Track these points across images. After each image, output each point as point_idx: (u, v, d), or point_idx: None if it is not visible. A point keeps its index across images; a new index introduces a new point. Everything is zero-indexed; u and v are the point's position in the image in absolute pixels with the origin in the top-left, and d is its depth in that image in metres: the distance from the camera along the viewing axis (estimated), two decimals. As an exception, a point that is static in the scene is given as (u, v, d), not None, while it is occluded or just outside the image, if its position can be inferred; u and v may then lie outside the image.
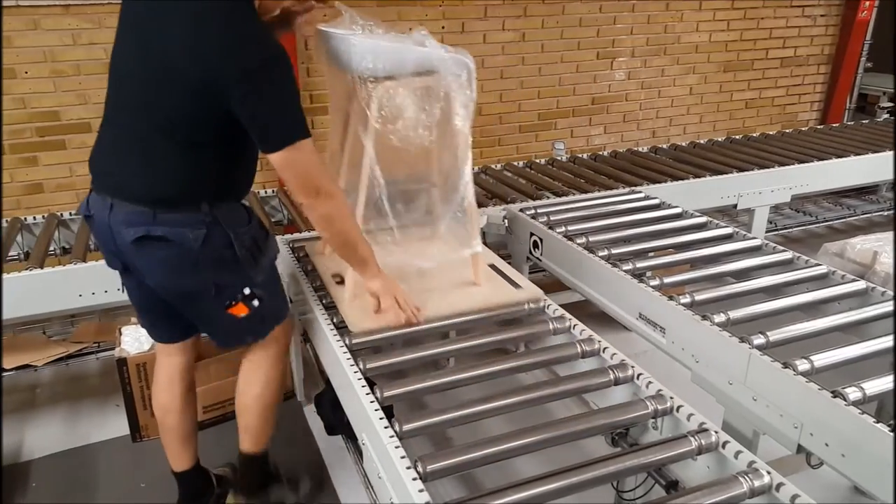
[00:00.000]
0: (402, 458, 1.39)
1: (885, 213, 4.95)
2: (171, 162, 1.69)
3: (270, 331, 1.99)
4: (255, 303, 1.88)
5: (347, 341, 1.90)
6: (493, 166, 3.90)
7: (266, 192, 3.51)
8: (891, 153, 4.13)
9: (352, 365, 1.77)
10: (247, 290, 1.85)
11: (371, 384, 1.68)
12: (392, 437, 1.47)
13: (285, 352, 2.14)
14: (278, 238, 2.63)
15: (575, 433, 1.52)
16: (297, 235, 2.74)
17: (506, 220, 3.00)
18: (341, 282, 2.18)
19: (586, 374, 1.76)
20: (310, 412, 2.77)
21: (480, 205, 3.13)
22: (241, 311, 1.86)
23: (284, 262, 2.52)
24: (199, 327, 2.04)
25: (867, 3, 5.64)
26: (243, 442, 2.13)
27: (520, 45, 4.64)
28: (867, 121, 5.42)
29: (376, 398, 1.62)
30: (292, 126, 1.63)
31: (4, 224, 2.97)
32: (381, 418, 1.53)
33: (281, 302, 2.05)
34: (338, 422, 2.22)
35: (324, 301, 2.13)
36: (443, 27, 4.32)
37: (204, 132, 1.67)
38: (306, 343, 2.79)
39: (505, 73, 4.68)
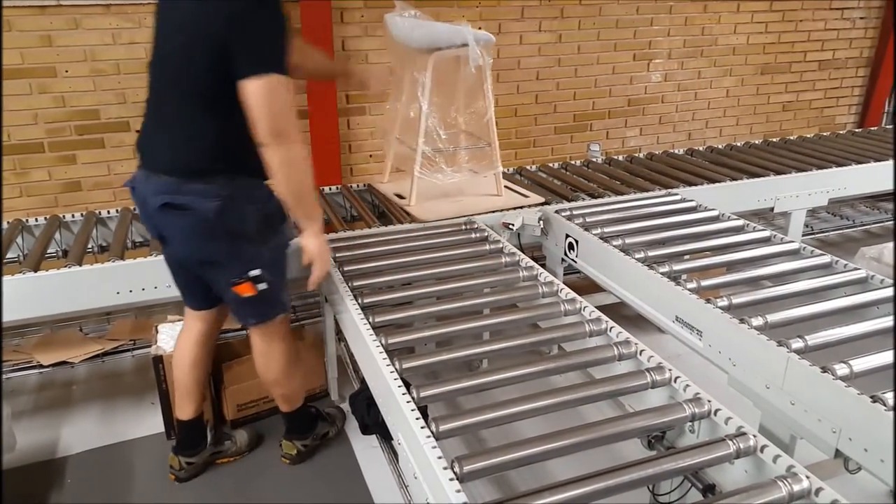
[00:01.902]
0: (440, 458, 1.40)
1: (927, 219, 4.85)
2: (195, 133, 1.91)
3: (274, 317, 2.19)
4: (262, 286, 2.05)
5: (384, 341, 1.93)
6: (528, 167, 3.93)
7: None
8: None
9: (388, 365, 1.79)
10: (255, 272, 2.03)
11: (407, 385, 1.71)
12: (429, 437, 1.48)
13: (287, 333, 2.36)
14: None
15: (611, 436, 1.54)
16: (333, 235, 2.77)
17: (541, 222, 3.03)
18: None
19: (623, 376, 1.78)
20: (344, 411, 2.82)
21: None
22: (246, 290, 2.02)
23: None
24: (222, 297, 2.22)
25: (910, 4, 5.52)
26: (281, 406, 2.49)
27: (556, 47, 4.65)
28: (908, 124, 5.32)
29: (412, 398, 1.64)
30: (272, 58, 1.78)
31: (5, 225, 2.96)
32: (417, 419, 1.55)
33: (285, 294, 2.25)
34: (372, 421, 2.27)
35: (360, 300, 2.18)
36: (479, 28, 4.34)
37: (222, 101, 1.83)
38: (340, 342, 2.86)
39: (541, 75, 4.70)
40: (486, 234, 2.82)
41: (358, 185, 3.61)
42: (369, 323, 2.03)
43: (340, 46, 4.06)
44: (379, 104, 4.27)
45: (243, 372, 2.71)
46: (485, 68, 2.99)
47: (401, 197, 3.31)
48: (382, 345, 1.91)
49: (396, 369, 1.78)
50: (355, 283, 2.31)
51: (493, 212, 3.06)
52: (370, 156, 4.38)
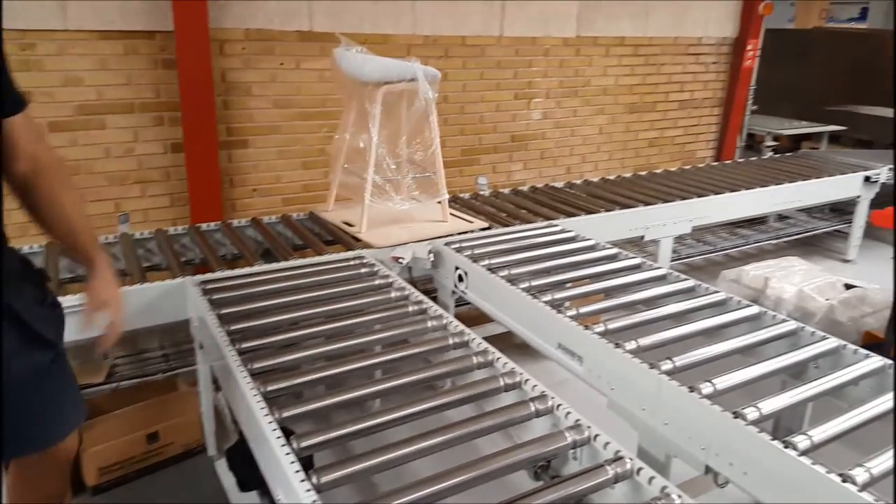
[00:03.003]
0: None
1: (774, 242, 5.40)
2: None
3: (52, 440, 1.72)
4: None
5: (262, 387, 1.82)
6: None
7: (177, 229, 3.36)
8: (776, 187, 4.54)
9: (266, 414, 1.69)
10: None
11: (289, 433, 1.62)
12: (309, 490, 1.41)
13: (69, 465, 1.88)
14: (189, 279, 2.55)
15: (500, 469, 1.54)
16: (209, 276, 2.62)
17: (431, 255, 3.06)
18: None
19: (509, 407, 1.80)
20: (221, 467, 2.62)
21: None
22: None
23: (194, 305, 2.45)
24: None
25: (750, 52, 6.22)
26: None
27: (443, 85, 4.74)
28: (755, 158, 5.94)
29: (293, 448, 1.56)
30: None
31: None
32: (297, 471, 1.46)
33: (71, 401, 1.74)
34: (251, 477, 2.10)
35: (237, 346, 2.06)
36: (364, 65, 4.39)
37: None
38: (218, 392, 2.71)
39: (427, 111, 4.79)
40: (375, 268, 2.80)
41: (240, 222, 3.47)
42: (247, 369, 1.92)
43: (220, 78, 3.93)
44: (264, 137, 4.17)
45: (107, 430, 2.47)
46: (430, 102, 3.22)
47: (350, 225, 3.39)
48: (261, 392, 1.80)
49: (275, 417, 1.68)
50: (233, 327, 2.18)
51: (441, 237, 3.22)
52: (254, 190, 4.24)
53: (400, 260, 2.97)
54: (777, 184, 4.59)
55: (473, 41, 4.81)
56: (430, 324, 2.31)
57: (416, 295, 2.54)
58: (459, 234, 3.32)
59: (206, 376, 2.60)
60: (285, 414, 1.72)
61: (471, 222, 3.51)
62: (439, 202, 3.46)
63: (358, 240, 3.21)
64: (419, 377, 2.00)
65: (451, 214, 3.56)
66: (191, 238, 3.31)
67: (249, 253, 3.02)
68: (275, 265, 2.81)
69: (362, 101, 3.25)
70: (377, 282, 2.65)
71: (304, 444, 1.60)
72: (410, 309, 2.42)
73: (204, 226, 3.38)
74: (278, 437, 1.60)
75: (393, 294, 2.54)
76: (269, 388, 1.85)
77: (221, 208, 4.04)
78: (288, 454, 1.54)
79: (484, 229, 3.43)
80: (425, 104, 3.22)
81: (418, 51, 4.58)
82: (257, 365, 1.97)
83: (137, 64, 3.73)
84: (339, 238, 3.34)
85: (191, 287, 2.50)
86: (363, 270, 2.76)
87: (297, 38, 4.12)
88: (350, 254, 2.94)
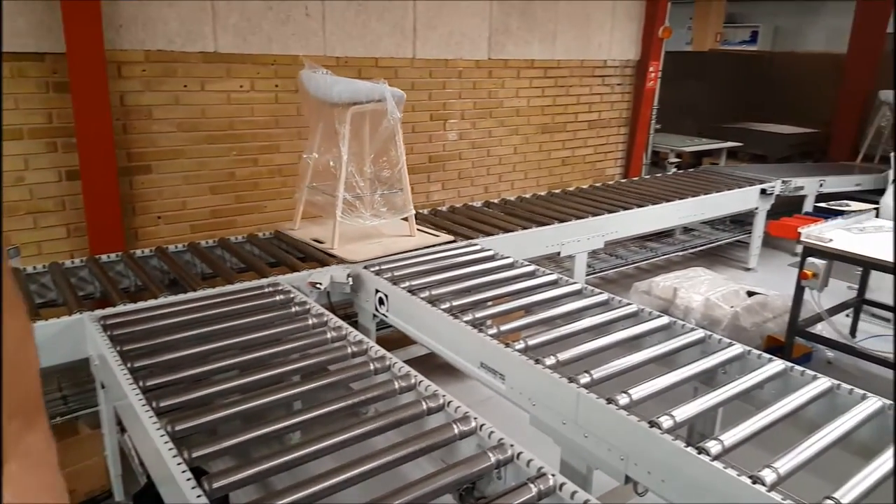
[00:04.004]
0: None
1: (681, 254, 5.68)
2: None
3: None
4: None
5: (170, 427, 1.72)
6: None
7: (74, 262, 3.13)
8: (680, 202, 4.79)
9: (175, 455, 1.60)
10: None
11: (201, 474, 1.54)
12: None
13: None
14: (87, 315, 2.41)
15: (425, 496, 1.52)
16: (110, 310, 2.48)
17: (350, 279, 3.01)
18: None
19: (434, 431, 1.78)
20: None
21: (324, 264, 3.13)
22: None
23: (93, 343, 2.30)
24: None
25: (652, 74, 6.58)
26: None
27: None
28: (660, 174, 6.26)
29: (204, 490, 1.48)
30: None
31: None
32: None
33: None
34: None
35: (140, 383, 1.94)
36: (276, 85, 4.31)
37: None
38: (123, 433, 2.54)
39: (341, 133, 4.75)
40: (291, 295, 2.71)
41: (144, 251, 3.28)
42: (153, 408, 1.81)
43: (119, 101, 3.73)
44: (169, 161, 3.99)
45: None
46: (397, 122, 3.34)
47: (319, 241, 3.46)
48: (168, 432, 1.70)
49: (185, 458, 1.59)
50: (137, 364, 2.05)
51: (409, 251, 3.34)
52: (159, 217, 4.03)
53: (317, 285, 2.89)
54: (681, 198, 4.84)
55: (386, 63, 4.82)
56: (350, 350, 2.25)
57: (335, 321, 2.48)
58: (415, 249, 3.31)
59: (110, 417, 2.44)
60: (197, 453, 1.64)
61: (437, 236, 3.63)
62: (406, 218, 3.58)
63: (331, 255, 3.27)
64: (341, 405, 1.94)
65: (418, 229, 3.68)
66: (89, 271, 3.10)
67: (154, 284, 2.85)
68: (182, 296, 2.67)
69: (329, 121, 3.34)
70: (293, 309, 2.57)
71: (218, 484, 1.52)
72: (329, 335, 2.36)
73: (104, 257, 3.17)
74: (188, 479, 1.51)
75: (311, 321, 2.47)
76: (178, 426, 1.74)
77: (123, 238, 3.81)
78: (200, 496, 1.46)
79: (451, 241, 3.58)
80: (392, 124, 3.32)
81: (334, 72, 4.51)
82: (164, 403, 1.87)
83: (26, 87, 3.48)
84: (310, 255, 3.35)
85: (90, 323, 2.36)
86: (278, 298, 2.67)
87: (201, 60, 3.98)
88: (264, 281, 2.84)
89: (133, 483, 2.59)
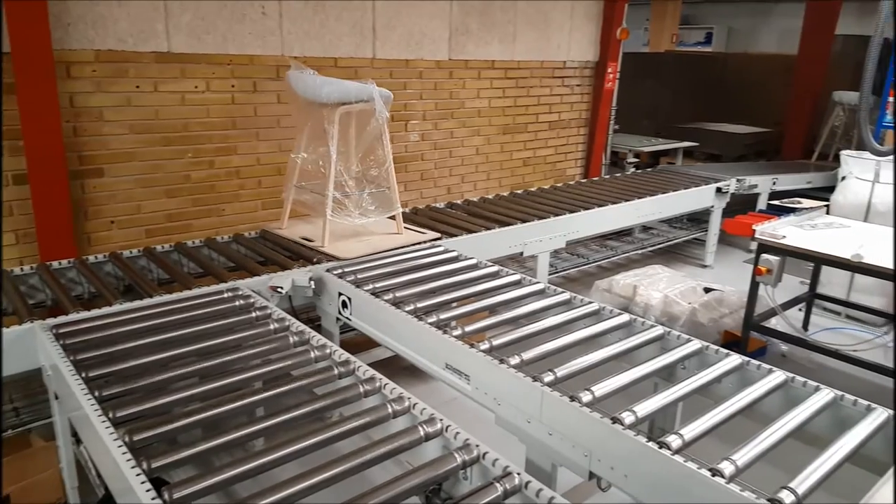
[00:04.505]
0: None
1: (640, 252, 5.79)
2: None
3: None
4: None
5: (128, 438, 1.68)
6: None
7: (23, 269, 3.02)
8: (639, 201, 4.88)
9: (133, 466, 1.57)
10: None
11: (161, 485, 1.51)
12: None
13: None
14: (39, 323, 2.33)
15: (392, 498, 1.51)
16: (62, 319, 2.40)
17: (312, 282, 2.97)
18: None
19: (399, 433, 1.77)
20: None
21: (285, 267, 3.10)
22: None
23: (46, 353, 2.23)
24: None
25: (611, 75, 6.69)
26: None
27: (316, 107, 4.70)
28: (619, 174, 6.37)
29: (164, 501, 1.45)
30: None
31: None
32: None
33: None
34: None
35: (96, 393, 1.89)
36: (232, 86, 4.22)
37: None
38: (79, 444, 2.46)
39: (302, 134, 4.69)
40: (252, 300, 2.67)
41: (97, 257, 3.18)
42: (109, 418, 1.76)
43: (68, 103, 3.61)
44: (122, 164, 3.88)
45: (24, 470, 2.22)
46: (385, 121, 3.41)
47: (308, 240, 3.52)
48: (126, 442, 1.66)
49: (144, 468, 1.56)
50: (92, 374, 1.99)
51: (397, 248, 3.41)
52: (112, 222, 3.91)
53: (278, 290, 2.85)
54: (640, 198, 4.93)
55: (346, 63, 4.78)
56: (313, 354, 2.23)
57: (298, 325, 2.45)
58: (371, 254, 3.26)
59: (65, 429, 2.36)
60: (156, 463, 1.61)
61: (423, 233, 3.69)
62: (393, 216, 3.64)
63: (322, 253, 3.32)
64: (304, 410, 1.92)
65: (406, 227, 3.74)
66: (40, 278, 3.00)
67: (108, 291, 2.77)
68: (138, 303, 2.61)
69: (317, 121, 3.40)
70: (254, 314, 2.53)
71: (179, 494, 1.49)
72: (292, 340, 2.33)
73: (55, 264, 3.07)
74: (148, 490, 1.48)
75: (272, 326, 2.43)
76: (137, 436, 1.71)
77: (75, 244, 3.68)
78: (159, 508, 1.42)
79: (437, 238, 3.63)
80: (380, 123, 3.39)
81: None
82: (122, 413, 1.82)
83: (-33, 88, 3.34)
84: (299, 253, 3.38)
85: (41, 332, 2.29)
86: (238, 303, 2.62)
87: (153, 60, 3.87)
88: (223, 286, 2.78)
89: (90, 495, 2.51)
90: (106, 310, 2.51)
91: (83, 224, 3.81)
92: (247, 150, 4.39)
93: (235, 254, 3.45)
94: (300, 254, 3.38)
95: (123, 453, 1.61)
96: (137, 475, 1.53)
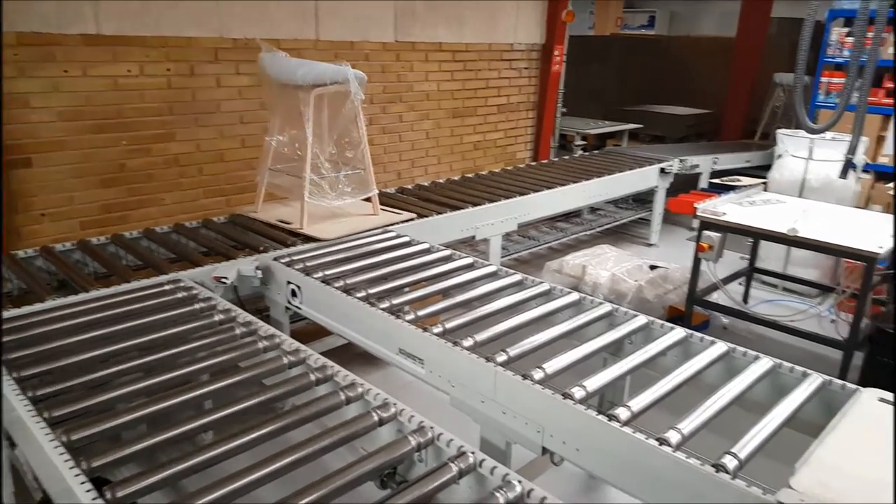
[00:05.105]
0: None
1: (588, 233, 5.89)
2: None
3: None
4: None
5: (66, 437, 1.61)
6: (243, 214, 3.78)
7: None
8: (587, 182, 4.96)
9: (72, 466, 1.50)
10: None
11: (103, 484, 1.45)
12: None
13: None
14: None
15: (346, 485, 1.50)
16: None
17: (259, 271, 2.90)
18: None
19: (353, 420, 1.76)
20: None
21: (229, 257, 3.01)
22: None
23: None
24: None
25: (557, 57, 6.73)
26: None
27: (257, 90, 4.56)
28: (567, 157, 6.45)
29: (107, 501, 1.40)
30: None
31: None
32: None
33: None
34: None
35: (29, 393, 1.80)
36: (168, 69, 4.06)
37: None
38: (13, 448, 2.35)
39: (246, 118, 4.55)
40: (195, 292, 2.59)
41: (27, 252, 3.01)
42: (45, 419, 1.69)
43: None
44: (51, 154, 3.68)
45: None
46: (359, 102, 3.40)
47: (286, 223, 3.54)
48: (64, 442, 1.59)
49: (84, 468, 1.50)
50: (24, 373, 1.90)
51: (376, 228, 3.46)
52: (42, 214, 3.72)
53: (223, 280, 2.77)
54: (588, 179, 5.00)
55: (288, 45, 4.64)
56: (261, 345, 2.18)
57: (244, 316, 2.39)
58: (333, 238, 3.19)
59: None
60: (97, 462, 1.55)
61: (399, 214, 3.73)
62: (369, 198, 3.66)
63: (302, 235, 3.35)
64: (254, 402, 1.88)
65: (381, 208, 3.77)
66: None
67: (40, 287, 2.64)
68: (73, 298, 2.50)
69: (290, 103, 3.41)
70: (197, 306, 2.46)
71: (122, 492, 1.45)
72: (238, 331, 2.27)
73: (-20, 260, 2.89)
74: (88, 490, 1.43)
75: (217, 317, 2.37)
76: (75, 436, 1.65)
77: (3, 238, 3.49)
78: (100, 507, 1.37)
79: (413, 218, 3.69)
80: (355, 105, 3.40)
81: (228, 55, 4.33)
82: (58, 412, 1.76)
83: None
84: (275, 237, 3.36)
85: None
86: (181, 295, 2.54)
87: (81, 43, 3.68)
88: (164, 278, 2.69)
89: (28, 500, 2.41)
90: (38, 306, 2.39)
91: (12, 218, 3.61)
92: (186, 137, 4.23)
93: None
94: (276, 238, 3.37)
95: (61, 453, 1.55)
96: (77, 475, 1.47)
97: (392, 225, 3.55)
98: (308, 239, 3.31)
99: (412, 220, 3.68)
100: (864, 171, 5.04)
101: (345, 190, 3.55)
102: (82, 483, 1.45)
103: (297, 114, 3.38)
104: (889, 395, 1.83)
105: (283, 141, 3.57)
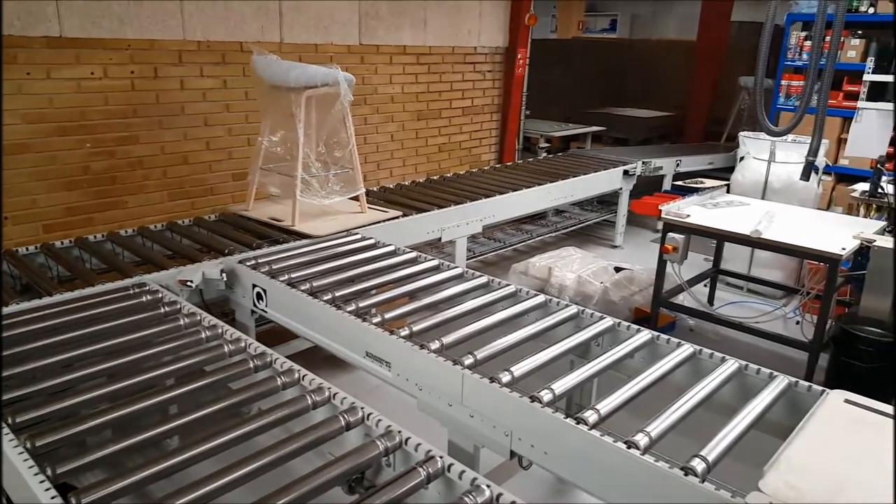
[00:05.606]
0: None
1: (554, 234, 5.97)
2: None
3: None
4: None
5: (30, 443, 1.59)
6: (206, 217, 3.75)
7: None
8: (551, 185, 5.02)
9: (36, 473, 1.49)
10: None
11: (68, 490, 1.44)
12: None
13: None
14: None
15: (312, 490, 1.50)
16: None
17: (224, 275, 2.87)
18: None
19: (320, 424, 1.76)
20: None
21: (195, 260, 2.98)
22: None
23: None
24: None
25: (521, 60, 6.80)
26: None
27: (224, 93, 4.51)
28: (532, 159, 6.52)
29: None
30: None
31: None
32: None
33: None
34: None
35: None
36: (132, 72, 3.98)
37: None
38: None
39: (210, 121, 4.49)
40: (160, 295, 2.55)
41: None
42: (8, 424, 1.67)
43: None
44: (14, 157, 3.58)
45: None
46: (348, 104, 3.54)
47: (277, 220, 3.63)
48: (27, 448, 1.58)
49: (48, 475, 1.49)
50: (-19, 382, 1.84)
51: (362, 227, 3.58)
52: (6, 217, 3.61)
53: (188, 283, 2.73)
54: (553, 181, 5.07)
55: (252, 47, 4.60)
56: (227, 348, 2.16)
57: (210, 319, 2.37)
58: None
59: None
60: (62, 468, 1.54)
61: (385, 212, 3.87)
62: (356, 196, 3.79)
63: (294, 232, 3.46)
64: (220, 406, 1.87)
65: (369, 207, 3.90)
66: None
67: (3, 291, 2.57)
68: (36, 302, 2.44)
69: (282, 105, 3.53)
70: (163, 310, 2.42)
71: (88, 499, 1.44)
72: (204, 335, 2.25)
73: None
74: (53, 497, 1.42)
75: (182, 321, 2.34)
76: (39, 442, 1.63)
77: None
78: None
79: (398, 216, 3.81)
80: (344, 106, 3.53)
81: (192, 57, 4.26)
82: (22, 418, 1.73)
83: None
84: (267, 235, 3.45)
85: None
86: (146, 299, 2.50)
87: (44, 45, 3.59)
88: (128, 281, 2.65)
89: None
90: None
91: (-35, 221, 3.50)
92: (150, 139, 4.16)
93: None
94: (268, 235, 3.44)
95: (25, 460, 1.53)
96: (41, 482, 1.46)
97: (378, 223, 3.68)
98: (301, 236, 3.41)
99: (398, 217, 3.83)
100: (826, 173, 5.16)
101: (334, 188, 3.69)
102: (47, 490, 1.43)
103: (289, 115, 3.50)
104: (855, 397, 1.83)
105: (274, 141, 3.68)
